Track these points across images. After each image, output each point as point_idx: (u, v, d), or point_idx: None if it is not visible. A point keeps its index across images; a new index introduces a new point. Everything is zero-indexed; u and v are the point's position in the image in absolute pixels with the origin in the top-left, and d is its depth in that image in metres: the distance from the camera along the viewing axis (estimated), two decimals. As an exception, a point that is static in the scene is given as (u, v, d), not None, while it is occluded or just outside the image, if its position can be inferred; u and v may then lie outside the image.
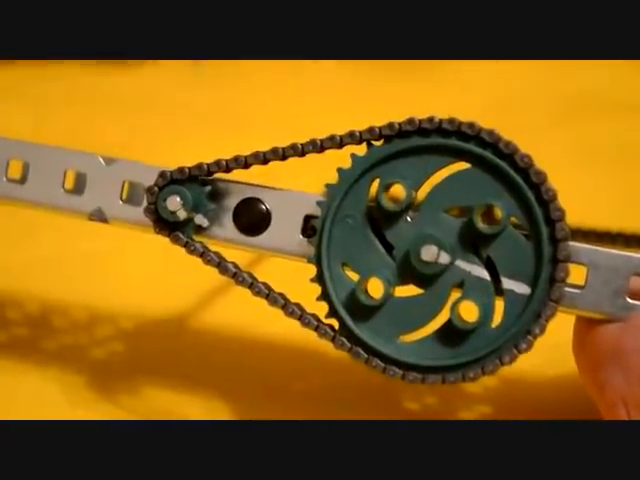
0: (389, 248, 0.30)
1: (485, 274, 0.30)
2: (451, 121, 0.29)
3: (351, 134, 0.30)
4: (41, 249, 0.44)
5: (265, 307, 0.32)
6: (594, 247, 0.30)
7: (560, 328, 0.31)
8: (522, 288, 0.29)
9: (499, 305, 0.30)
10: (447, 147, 0.30)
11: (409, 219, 0.30)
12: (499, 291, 0.30)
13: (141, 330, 0.40)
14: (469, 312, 0.30)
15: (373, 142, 0.30)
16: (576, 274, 0.30)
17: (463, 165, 0.30)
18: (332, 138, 0.30)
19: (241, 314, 0.40)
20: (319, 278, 0.31)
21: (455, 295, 0.30)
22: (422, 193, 0.30)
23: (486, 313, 0.30)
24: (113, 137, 0.49)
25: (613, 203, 0.46)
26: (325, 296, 0.31)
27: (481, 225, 0.29)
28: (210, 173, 0.31)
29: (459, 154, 0.30)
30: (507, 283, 0.30)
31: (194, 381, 0.37)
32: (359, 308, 0.30)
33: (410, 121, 0.30)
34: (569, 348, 0.31)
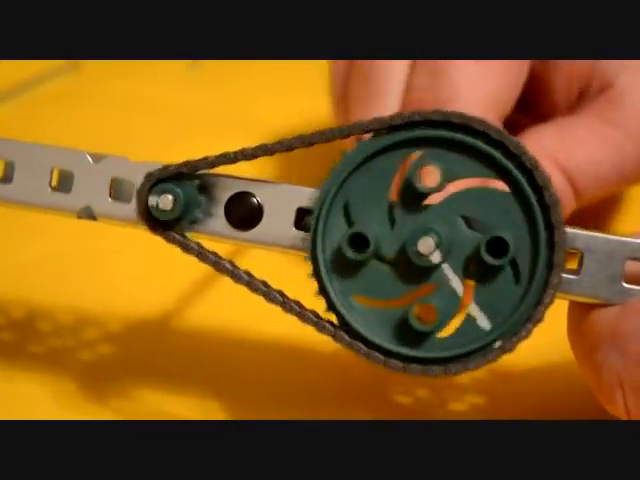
0: None
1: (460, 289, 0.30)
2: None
3: (340, 129, 0.30)
4: (26, 253, 0.44)
5: (256, 306, 0.32)
6: (589, 232, 0.29)
7: (556, 320, 0.31)
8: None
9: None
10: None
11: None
12: None
13: (130, 331, 0.40)
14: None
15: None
16: (572, 262, 0.30)
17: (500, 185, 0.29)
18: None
19: (232, 314, 0.40)
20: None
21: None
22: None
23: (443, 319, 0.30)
24: (110, 137, 0.49)
25: (614, 204, 0.46)
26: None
27: (487, 257, 0.29)
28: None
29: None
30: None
31: (185, 381, 0.37)
32: None
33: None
34: (565, 342, 0.31)
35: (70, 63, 0.57)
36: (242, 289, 0.31)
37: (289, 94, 0.43)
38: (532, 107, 0.41)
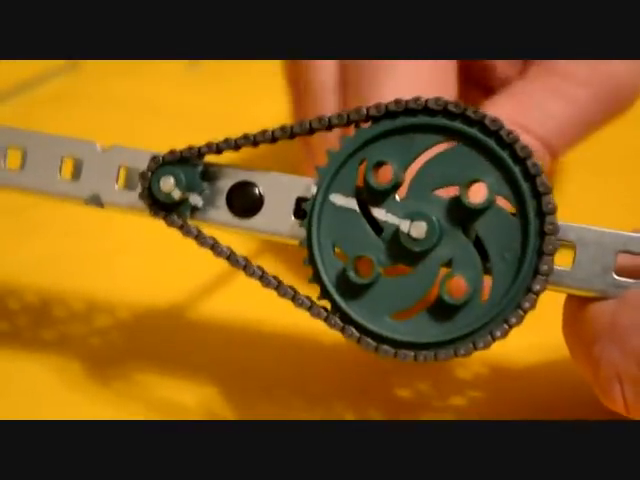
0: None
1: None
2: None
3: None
4: (43, 247, 0.44)
5: (265, 301, 0.32)
6: (581, 225, 0.30)
7: (555, 318, 0.31)
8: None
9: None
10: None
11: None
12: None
13: (140, 321, 0.40)
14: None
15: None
16: (565, 255, 0.30)
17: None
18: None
19: (242, 307, 0.40)
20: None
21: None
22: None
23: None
24: (109, 137, 0.49)
25: (618, 207, 0.46)
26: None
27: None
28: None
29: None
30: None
31: (192, 371, 0.38)
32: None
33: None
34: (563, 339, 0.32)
35: (69, 63, 0.57)
36: (247, 284, 0.32)
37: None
38: (489, 87, 0.41)
